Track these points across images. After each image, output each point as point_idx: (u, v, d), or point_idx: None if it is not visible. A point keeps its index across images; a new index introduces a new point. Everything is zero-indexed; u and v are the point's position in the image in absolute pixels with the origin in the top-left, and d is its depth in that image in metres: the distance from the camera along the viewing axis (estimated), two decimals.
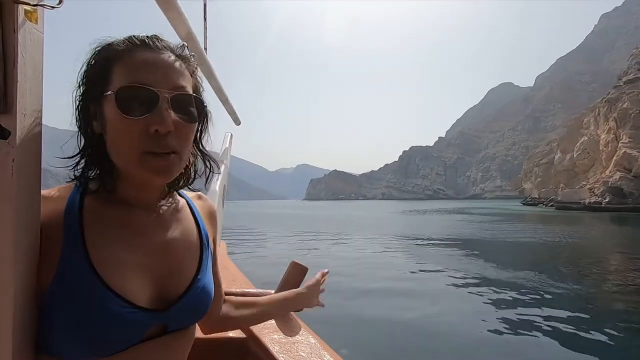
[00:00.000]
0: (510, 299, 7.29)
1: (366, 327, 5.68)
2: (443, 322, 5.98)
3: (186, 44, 0.66)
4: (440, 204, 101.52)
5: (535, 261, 12.16)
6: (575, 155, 66.76)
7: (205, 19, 1.63)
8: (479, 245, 15.71)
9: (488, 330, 5.57)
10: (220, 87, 1.85)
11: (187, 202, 0.76)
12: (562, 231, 21.62)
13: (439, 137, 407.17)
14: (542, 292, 7.67)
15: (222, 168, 2.12)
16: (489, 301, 7.16)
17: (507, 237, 18.96)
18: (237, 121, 2.43)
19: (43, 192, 0.58)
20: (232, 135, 2.45)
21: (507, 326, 5.73)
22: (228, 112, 2.25)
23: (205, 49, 1.56)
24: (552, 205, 72.20)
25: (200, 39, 1.39)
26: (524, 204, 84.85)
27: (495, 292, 7.77)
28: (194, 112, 0.62)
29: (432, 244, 16.40)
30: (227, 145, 2.33)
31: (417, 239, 17.90)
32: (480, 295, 7.64)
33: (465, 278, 9.11)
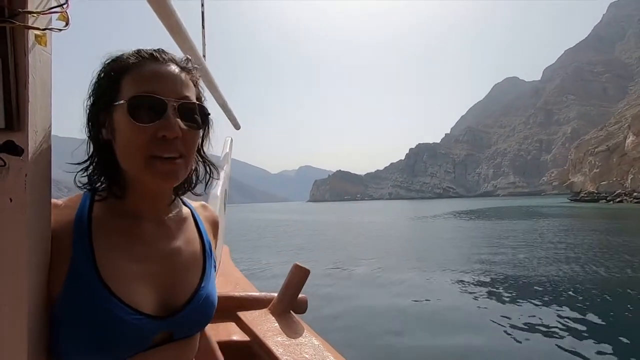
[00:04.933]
0: None
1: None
2: None
3: (190, 57, 0.68)
4: (458, 203, 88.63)
5: None
6: None
7: (203, 27, 1.70)
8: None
9: None
10: (219, 93, 1.89)
11: (191, 211, 0.77)
12: None
13: (446, 134, 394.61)
14: None
15: (223, 173, 2.12)
16: None
17: None
18: (237, 126, 2.50)
19: (55, 201, 0.60)
20: (232, 139, 2.46)
21: None
22: (228, 117, 2.30)
23: (204, 55, 1.64)
24: (619, 201, 58.19)
25: (199, 46, 1.45)
26: (575, 200, 71.13)
27: None
28: (198, 119, 0.65)
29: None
30: (227, 150, 2.33)
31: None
32: None
33: None
